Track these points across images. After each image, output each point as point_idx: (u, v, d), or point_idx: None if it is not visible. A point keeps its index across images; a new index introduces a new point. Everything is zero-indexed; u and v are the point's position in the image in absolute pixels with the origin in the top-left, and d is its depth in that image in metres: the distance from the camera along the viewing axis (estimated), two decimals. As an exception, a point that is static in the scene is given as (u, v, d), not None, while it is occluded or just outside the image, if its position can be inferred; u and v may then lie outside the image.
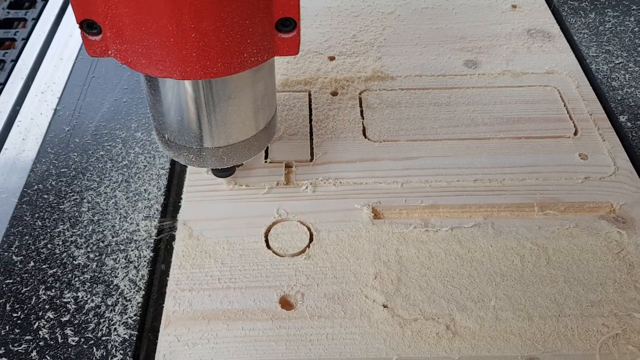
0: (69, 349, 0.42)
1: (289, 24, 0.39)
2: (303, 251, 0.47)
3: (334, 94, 0.60)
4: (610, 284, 0.45)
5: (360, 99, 0.59)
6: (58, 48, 0.70)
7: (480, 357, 0.41)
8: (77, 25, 0.38)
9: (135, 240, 0.49)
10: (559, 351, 0.41)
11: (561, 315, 0.43)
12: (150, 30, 0.36)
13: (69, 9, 0.76)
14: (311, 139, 0.55)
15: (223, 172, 0.50)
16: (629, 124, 0.58)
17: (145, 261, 0.47)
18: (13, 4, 0.82)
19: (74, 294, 0.45)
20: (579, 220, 0.49)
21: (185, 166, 0.54)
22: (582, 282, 0.45)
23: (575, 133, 0.56)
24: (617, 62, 0.65)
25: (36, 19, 0.78)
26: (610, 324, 0.43)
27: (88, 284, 0.46)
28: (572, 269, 0.46)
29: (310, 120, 0.57)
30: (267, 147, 0.54)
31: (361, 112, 0.58)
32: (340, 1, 0.72)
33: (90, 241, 0.49)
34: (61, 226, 0.50)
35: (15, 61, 0.72)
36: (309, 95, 0.60)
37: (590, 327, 0.43)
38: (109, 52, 0.39)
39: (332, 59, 0.64)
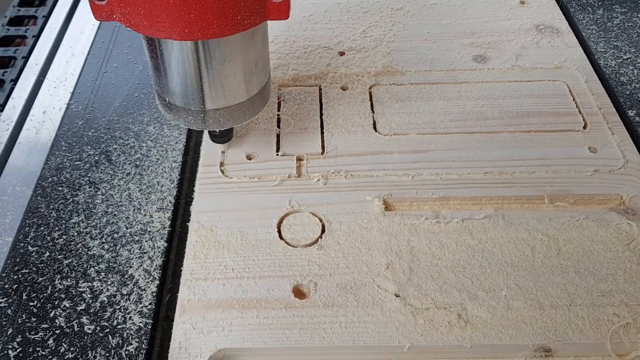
0: (85, 337, 0.43)
1: None
2: (315, 242, 0.47)
3: (344, 88, 0.60)
4: (621, 274, 0.45)
5: (370, 93, 0.60)
6: (70, 44, 0.70)
7: (492, 346, 0.42)
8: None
9: (149, 232, 0.49)
10: (570, 340, 0.42)
11: (572, 304, 0.44)
12: None
13: (80, 5, 0.76)
14: (322, 132, 0.56)
15: (220, 139, 0.53)
16: (637, 118, 0.58)
17: (159, 252, 0.48)
18: (23, 1, 0.83)
19: (90, 283, 0.46)
20: (589, 212, 0.50)
21: (198, 158, 0.55)
22: (592, 272, 0.45)
23: (585, 127, 0.56)
24: (625, 57, 0.65)
25: (46, 16, 0.79)
26: (621, 314, 0.43)
27: (103, 274, 0.46)
28: (582, 259, 0.46)
29: (321, 114, 0.58)
30: (279, 140, 0.55)
31: (371, 106, 0.59)
32: (349, -3, 0.72)
33: (105, 232, 0.49)
34: (76, 217, 0.50)
35: (26, 58, 0.73)
36: (320, 89, 0.60)
37: (601, 317, 0.43)
38: (114, 15, 0.42)
39: (342, 54, 0.64)
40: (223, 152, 0.54)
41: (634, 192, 0.51)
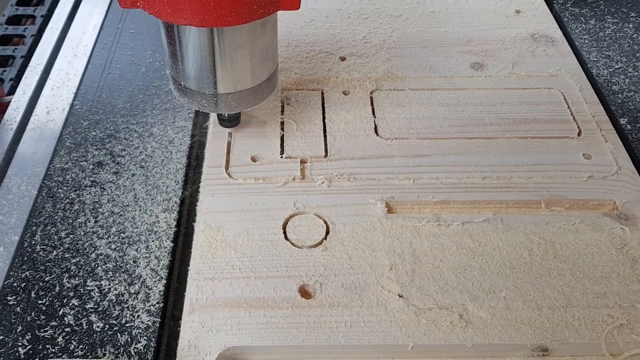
0: (94, 335, 0.43)
1: None
2: (320, 243, 0.48)
3: (346, 93, 0.62)
4: (615, 277, 0.47)
5: (371, 98, 0.61)
6: (72, 45, 0.71)
7: (492, 345, 0.43)
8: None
9: (155, 232, 0.50)
10: (566, 340, 0.43)
11: (568, 306, 0.45)
12: None
13: (81, 6, 0.77)
14: (325, 136, 0.57)
15: (229, 123, 0.57)
16: (629, 126, 0.60)
17: (165, 252, 0.49)
18: (21, 0, 0.83)
19: (97, 282, 0.46)
20: (584, 216, 0.51)
21: (202, 160, 0.56)
22: (587, 275, 0.47)
23: (579, 134, 0.58)
24: (617, 67, 0.67)
25: (45, 16, 0.79)
26: (615, 315, 0.45)
27: (110, 273, 0.47)
28: (578, 262, 0.48)
29: (324, 117, 0.59)
30: (283, 143, 0.56)
31: (372, 110, 0.60)
32: (349, 3, 0.73)
33: (112, 232, 0.50)
34: (82, 217, 0.51)
35: (25, 57, 0.73)
36: (322, 93, 0.62)
37: (596, 318, 0.45)
38: (138, 3, 0.45)
39: (343, 59, 0.65)
40: (229, 143, 0.56)
41: (626, 197, 0.52)
